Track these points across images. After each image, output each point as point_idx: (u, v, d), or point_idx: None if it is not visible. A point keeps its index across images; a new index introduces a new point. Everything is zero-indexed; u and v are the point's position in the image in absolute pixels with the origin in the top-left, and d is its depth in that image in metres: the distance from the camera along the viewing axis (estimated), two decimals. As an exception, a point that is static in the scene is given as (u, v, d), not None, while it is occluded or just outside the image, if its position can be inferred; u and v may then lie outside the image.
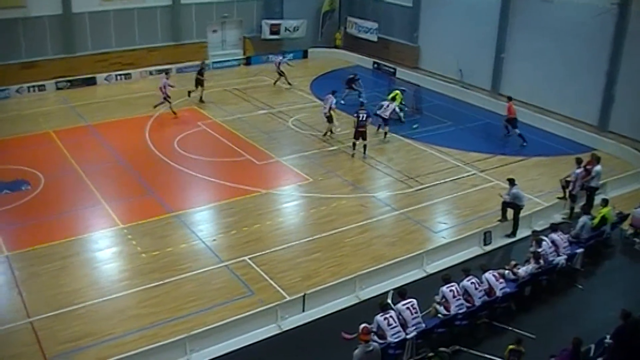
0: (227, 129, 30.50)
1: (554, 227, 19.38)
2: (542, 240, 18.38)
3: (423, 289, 17.11)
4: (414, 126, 31.32)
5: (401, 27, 43.20)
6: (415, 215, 22.61)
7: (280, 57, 38.46)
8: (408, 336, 14.66)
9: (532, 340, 15.58)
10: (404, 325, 14.82)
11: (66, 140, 28.40)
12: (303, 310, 16.90)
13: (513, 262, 17.78)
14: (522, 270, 17.43)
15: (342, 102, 32.99)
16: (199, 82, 34.17)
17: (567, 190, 22.84)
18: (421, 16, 41.68)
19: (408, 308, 14.97)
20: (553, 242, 18.58)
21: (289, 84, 37.63)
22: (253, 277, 18.65)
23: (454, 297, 15.79)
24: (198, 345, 15.31)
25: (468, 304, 16.02)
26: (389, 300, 15.78)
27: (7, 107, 33.11)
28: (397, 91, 32.23)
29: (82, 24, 37.31)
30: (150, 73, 39.11)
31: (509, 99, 30.87)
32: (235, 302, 17.40)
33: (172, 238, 20.78)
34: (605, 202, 20.83)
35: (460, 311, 15.79)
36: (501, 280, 16.70)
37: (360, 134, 27.44)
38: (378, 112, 29.50)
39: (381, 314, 14.66)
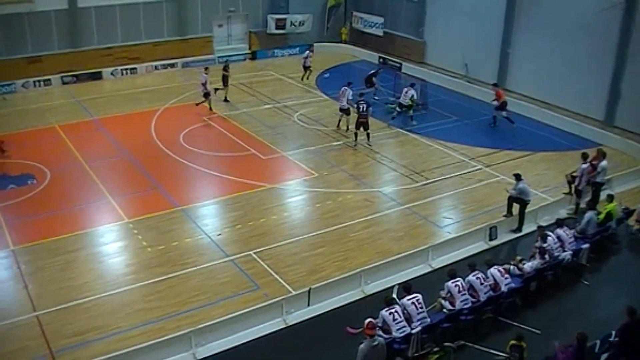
0: (233, 123, 30.50)
1: (559, 223, 19.33)
2: (548, 235, 18.32)
3: (428, 284, 17.10)
4: (414, 122, 31.32)
5: (407, 22, 43.16)
6: (421, 210, 22.59)
7: (308, 52, 38.05)
8: (413, 331, 14.67)
9: (537, 336, 15.59)
10: (409, 320, 14.82)
11: (72, 135, 28.45)
12: (308, 305, 16.91)
13: (518, 258, 17.76)
14: (528, 266, 17.41)
15: (376, 98, 33.01)
16: (225, 80, 33.62)
17: (573, 186, 22.78)
18: (427, 11, 41.59)
19: (413, 303, 14.97)
20: (559, 237, 18.54)
21: (306, 78, 37.65)
22: (258, 271, 18.67)
23: (459, 292, 15.78)
24: (204, 340, 15.34)
25: (473, 299, 16.02)
26: (394, 295, 15.79)
27: (13, 102, 33.19)
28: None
29: (88, 19, 37.37)
30: (156, 68, 39.19)
31: (495, 85, 31.99)
32: (240, 297, 17.43)
33: (177, 232, 20.81)
34: (611, 198, 20.77)
35: (466, 306, 15.78)
36: (506, 275, 16.68)
37: (361, 124, 27.91)
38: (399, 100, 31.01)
39: (386, 308, 14.66)
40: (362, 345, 13.14)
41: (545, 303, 17.47)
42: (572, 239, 18.85)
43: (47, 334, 15.89)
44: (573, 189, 22.82)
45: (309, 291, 16.89)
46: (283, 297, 16.76)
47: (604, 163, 22.31)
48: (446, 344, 15.08)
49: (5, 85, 34.47)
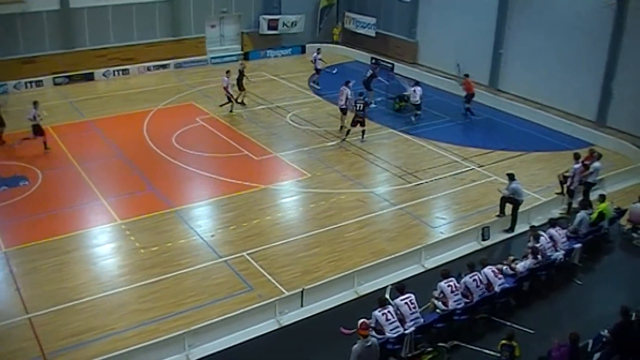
0: (225, 124, 30.48)
1: (552, 222, 19.39)
2: (540, 235, 18.39)
3: (421, 284, 17.12)
4: (413, 119, 31.67)
5: (400, 22, 43.20)
6: (414, 211, 22.63)
7: (315, 54, 37.38)
8: (406, 331, 14.68)
9: (531, 336, 15.65)
10: (402, 320, 14.84)
11: (64, 136, 28.35)
12: (302, 306, 16.92)
13: (511, 258, 17.82)
14: (520, 266, 17.45)
15: (374, 105, 32.83)
16: (240, 83, 32.99)
17: (565, 186, 22.86)
18: (419, 11, 41.66)
19: (406, 303, 15.00)
20: (551, 237, 18.60)
21: (314, 82, 37.17)
22: (252, 272, 18.67)
23: (452, 292, 15.81)
24: (197, 341, 15.34)
25: (467, 300, 16.05)
26: (387, 295, 15.82)
27: (6, 103, 33.01)
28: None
29: (80, 19, 37.26)
30: (149, 68, 39.10)
31: (466, 76, 32.83)
32: (234, 298, 17.42)
33: (171, 233, 20.78)
34: (603, 198, 20.85)
35: (459, 306, 15.82)
36: (500, 275, 16.72)
37: (357, 122, 28.28)
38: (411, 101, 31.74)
39: (379, 309, 14.68)
40: (355, 346, 13.15)
41: (539, 303, 17.54)
42: (565, 239, 18.91)
43: (41, 335, 15.85)
44: (565, 189, 22.90)
45: (302, 292, 16.90)
46: (277, 298, 16.76)
47: (597, 164, 22.41)
48: (439, 344, 15.14)
49: (-2, 86, 34.40)
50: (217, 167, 25.77)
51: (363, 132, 28.51)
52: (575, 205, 22.07)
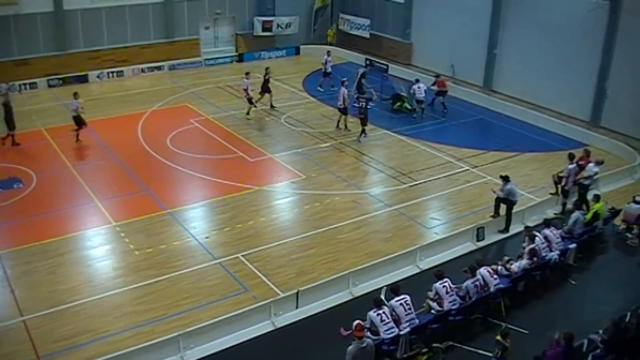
0: (220, 125, 30.44)
1: (547, 223, 19.41)
2: (535, 235, 18.42)
3: (416, 285, 17.14)
4: (414, 116, 32.15)
5: (394, 23, 43.25)
6: (409, 212, 22.64)
7: (326, 57, 36.77)
8: (401, 332, 14.68)
9: (525, 336, 15.67)
10: (397, 321, 14.84)
11: (58, 138, 28.27)
12: (297, 307, 16.91)
13: (506, 258, 17.83)
14: (515, 266, 17.47)
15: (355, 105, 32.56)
16: (266, 88, 32.75)
17: (560, 186, 22.90)
18: (413, 12, 41.73)
19: (401, 304, 15.00)
20: (546, 237, 18.62)
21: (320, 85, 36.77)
22: (247, 274, 18.65)
23: (447, 293, 15.82)
24: (192, 343, 15.31)
25: (462, 301, 16.06)
26: (382, 296, 15.81)
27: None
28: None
29: (74, 21, 37.19)
30: (143, 70, 39.05)
31: (437, 76, 34.06)
32: (229, 299, 17.40)
33: (165, 235, 20.74)
34: (597, 198, 20.89)
35: (454, 307, 15.83)
36: (495, 275, 16.74)
37: (359, 120, 28.82)
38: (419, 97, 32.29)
39: (374, 309, 14.68)
40: (350, 347, 13.16)
41: (533, 303, 17.59)
42: (560, 239, 18.94)
43: (36, 338, 15.81)
44: (560, 189, 22.93)
45: (297, 293, 16.89)
46: (271, 299, 16.74)
47: (596, 169, 22.33)
48: (435, 344, 15.14)
49: (-9, 88, 34.26)
50: (211, 169, 25.74)
51: (363, 130, 28.84)
52: (569, 205, 22.09)
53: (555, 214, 22.28)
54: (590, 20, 30.17)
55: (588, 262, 19.76)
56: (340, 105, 29.50)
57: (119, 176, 25.07)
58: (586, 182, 22.34)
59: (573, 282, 18.59)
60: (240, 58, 42.85)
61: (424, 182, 24.98)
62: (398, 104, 32.91)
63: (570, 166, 22.35)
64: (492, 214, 21.78)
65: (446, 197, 23.91)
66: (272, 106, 32.96)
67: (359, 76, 33.25)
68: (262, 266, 19.03)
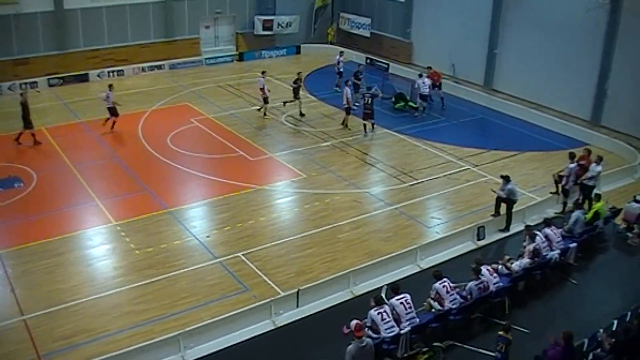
0: (220, 125, 30.43)
1: (547, 222, 19.40)
2: (536, 235, 18.41)
3: (417, 284, 17.15)
4: (416, 114, 32.26)
5: (394, 22, 43.19)
6: (409, 211, 22.63)
7: (338, 57, 36.25)
8: (402, 331, 14.68)
9: (526, 335, 15.66)
10: (397, 320, 14.84)
11: (59, 137, 28.30)
12: (297, 306, 16.91)
13: (507, 257, 17.82)
14: (516, 265, 17.46)
15: (356, 104, 31.76)
16: (296, 92, 32.15)
17: (560, 185, 22.89)
18: (414, 11, 41.64)
19: (402, 303, 15.00)
20: (546, 236, 18.62)
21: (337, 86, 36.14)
22: (247, 273, 18.65)
23: (447, 292, 15.82)
24: (192, 342, 15.31)
25: (462, 300, 16.05)
26: (383, 295, 15.81)
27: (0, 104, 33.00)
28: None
29: (74, 21, 37.17)
30: (143, 69, 39.05)
31: (429, 67, 34.37)
32: (229, 299, 17.40)
33: (165, 234, 20.74)
34: (598, 197, 20.88)
35: (454, 306, 15.82)
36: (495, 275, 16.74)
37: (367, 115, 29.09)
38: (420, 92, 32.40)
39: (375, 308, 14.68)
40: (350, 347, 13.14)
41: (534, 302, 17.58)
42: (560, 239, 18.93)
43: (35, 337, 15.81)
44: (560, 189, 22.92)
45: (297, 292, 16.89)
46: (272, 298, 16.74)
47: (598, 168, 22.26)
48: (435, 344, 15.14)
49: (-9, 87, 34.31)
50: (212, 168, 25.74)
51: (372, 125, 29.39)
52: (570, 204, 22.07)
53: (555, 213, 22.26)
54: (590, 20, 30.10)
55: (588, 262, 19.75)
56: (344, 104, 29.67)
57: (119, 175, 25.07)
58: (590, 183, 22.27)
59: (573, 282, 18.58)
60: (241, 57, 42.82)
61: (425, 181, 24.96)
62: (401, 103, 32.89)
63: (571, 165, 22.33)
64: (492, 213, 21.77)
65: (446, 196, 23.89)
66: (301, 114, 32.06)
67: (353, 77, 33.15)
68: (263, 265, 19.03)
